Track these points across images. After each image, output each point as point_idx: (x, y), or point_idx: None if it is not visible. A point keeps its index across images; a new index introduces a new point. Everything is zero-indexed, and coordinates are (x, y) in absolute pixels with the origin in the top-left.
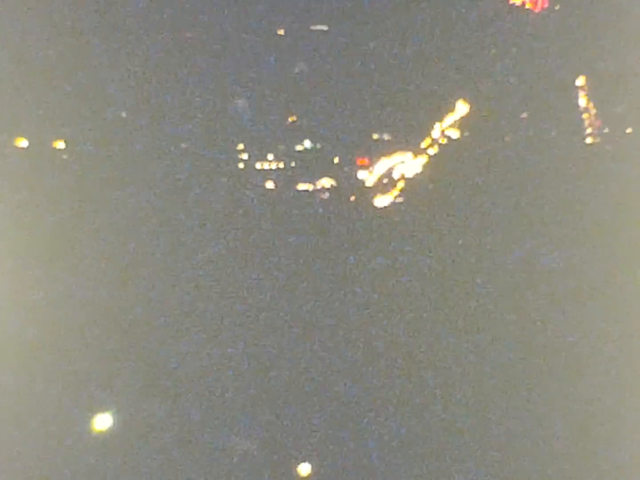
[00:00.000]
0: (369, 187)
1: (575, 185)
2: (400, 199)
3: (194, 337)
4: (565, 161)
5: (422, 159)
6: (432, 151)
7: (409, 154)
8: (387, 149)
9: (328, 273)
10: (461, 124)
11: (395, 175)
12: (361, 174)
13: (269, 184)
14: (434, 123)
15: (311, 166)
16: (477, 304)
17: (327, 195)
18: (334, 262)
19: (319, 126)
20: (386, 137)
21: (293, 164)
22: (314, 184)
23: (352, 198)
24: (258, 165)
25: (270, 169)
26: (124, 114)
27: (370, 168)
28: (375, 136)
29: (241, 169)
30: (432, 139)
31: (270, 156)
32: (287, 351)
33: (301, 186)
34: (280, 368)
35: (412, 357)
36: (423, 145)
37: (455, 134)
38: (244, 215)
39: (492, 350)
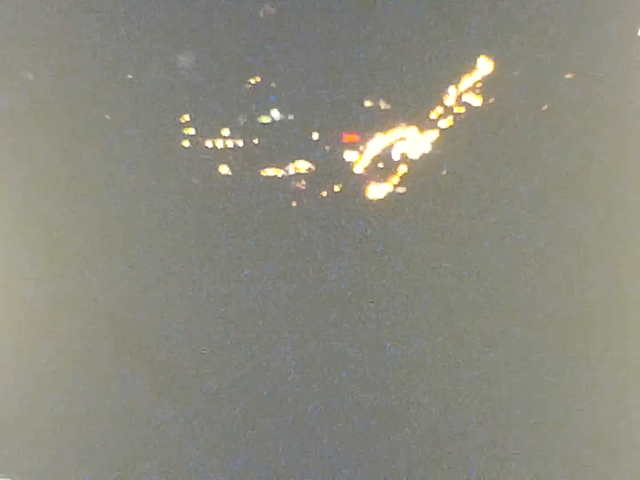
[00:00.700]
0: (359, 174)
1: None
2: (401, 189)
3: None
4: (627, 138)
5: (432, 135)
6: (445, 124)
7: (413, 128)
8: (383, 121)
9: (303, 288)
10: (484, 87)
11: (395, 156)
12: (349, 155)
13: (223, 169)
14: (448, 86)
15: (280, 145)
16: (498, 315)
17: (302, 184)
18: (311, 274)
19: (292, 90)
20: (382, 104)
21: (256, 141)
22: (285, 169)
23: (337, 188)
24: (208, 144)
25: (226, 149)
26: (30, 76)
27: (361, 147)
28: (367, 104)
29: (185, 148)
30: (445, 108)
31: (225, 131)
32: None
33: (267, 172)
34: (267, 368)
35: (416, 367)
36: (432, 115)
37: (476, 100)
38: (188, 211)
39: (502, 352)
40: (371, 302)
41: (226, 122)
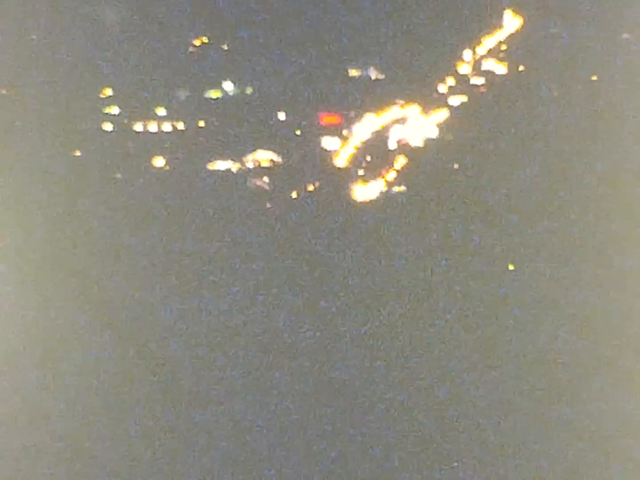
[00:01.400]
0: (341, 168)
1: None
2: (398, 189)
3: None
4: None
5: (440, 115)
6: (458, 100)
7: (415, 106)
8: (374, 97)
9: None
10: (511, 50)
11: (391, 144)
12: (327, 143)
13: (159, 161)
14: (462, 49)
15: (235, 129)
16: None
17: (264, 181)
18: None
19: (250, 54)
20: (374, 73)
21: (201, 124)
22: (241, 162)
23: (311, 187)
24: (139, 127)
25: (162, 133)
26: None
27: (344, 132)
28: (353, 72)
29: (107, 134)
30: (458, 78)
31: (160, 110)
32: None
33: (216, 165)
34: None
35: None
36: (441, 88)
37: (499, 67)
38: (110, 214)
39: (500, 350)
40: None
41: (161, 97)
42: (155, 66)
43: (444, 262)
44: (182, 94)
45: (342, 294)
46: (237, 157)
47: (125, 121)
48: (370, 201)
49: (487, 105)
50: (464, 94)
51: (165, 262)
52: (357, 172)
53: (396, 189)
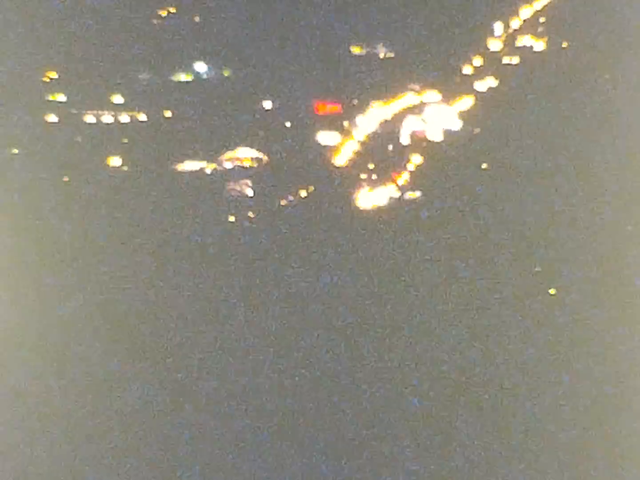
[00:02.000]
0: (341, 169)
1: None
2: (412, 194)
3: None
4: None
5: (464, 102)
6: (486, 84)
7: (433, 92)
8: (383, 80)
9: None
10: (552, 22)
11: (403, 139)
12: (325, 137)
13: (115, 160)
14: (491, 22)
15: (210, 119)
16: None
17: (245, 185)
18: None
19: (229, 28)
20: (382, 51)
21: (168, 114)
22: (217, 161)
23: (304, 192)
24: (90, 118)
25: (119, 126)
26: None
27: (345, 123)
28: (356, 49)
29: (52, 125)
30: (487, 57)
31: (116, 97)
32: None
33: (186, 166)
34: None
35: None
36: (466, 69)
37: (538, 44)
38: (62, 220)
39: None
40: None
41: (117, 81)
42: (110, 42)
43: (464, 287)
44: (144, 77)
45: (347, 332)
46: (212, 155)
47: (74, 111)
48: (378, 210)
49: (522, 91)
50: (494, 76)
51: (119, 287)
52: (361, 174)
53: (409, 195)
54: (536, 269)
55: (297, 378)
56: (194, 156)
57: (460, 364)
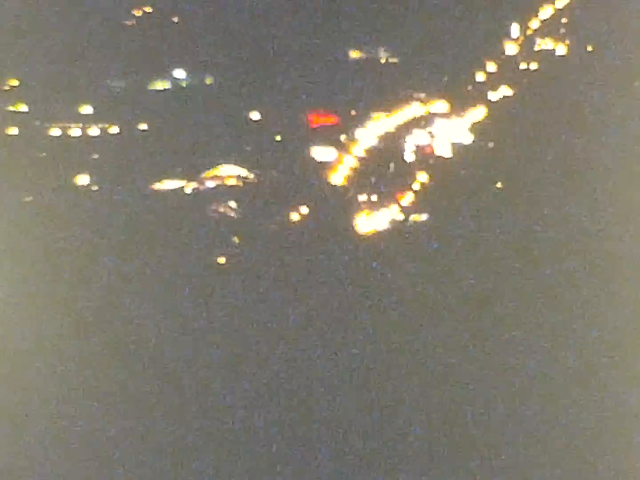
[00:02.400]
0: (339, 187)
1: None
2: (416, 217)
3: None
4: None
5: (476, 113)
6: (501, 92)
7: (441, 102)
8: (385, 88)
9: None
10: (575, 24)
11: (407, 154)
12: (320, 152)
13: (83, 178)
14: (507, 23)
15: (190, 132)
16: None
17: (228, 207)
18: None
19: (212, 29)
20: (384, 55)
21: (143, 127)
22: (198, 180)
23: (296, 215)
24: (55, 131)
25: (88, 140)
26: None
27: (343, 136)
28: (355, 53)
29: (14, 138)
30: (502, 62)
31: (85, 107)
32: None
33: (164, 183)
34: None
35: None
36: (479, 77)
37: (559, 48)
38: (26, 243)
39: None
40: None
41: (86, 90)
42: (78, 46)
43: (476, 324)
44: (116, 85)
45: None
46: (193, 173)
47: (37, 123)
48: (379, 235)
49: (542, 101)
50: (510, 84)
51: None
52: (360, 195)
53: (415, 218)
54: (557, 303)
55: (291, 413)
56: (172, 174)
57: (467, 392)
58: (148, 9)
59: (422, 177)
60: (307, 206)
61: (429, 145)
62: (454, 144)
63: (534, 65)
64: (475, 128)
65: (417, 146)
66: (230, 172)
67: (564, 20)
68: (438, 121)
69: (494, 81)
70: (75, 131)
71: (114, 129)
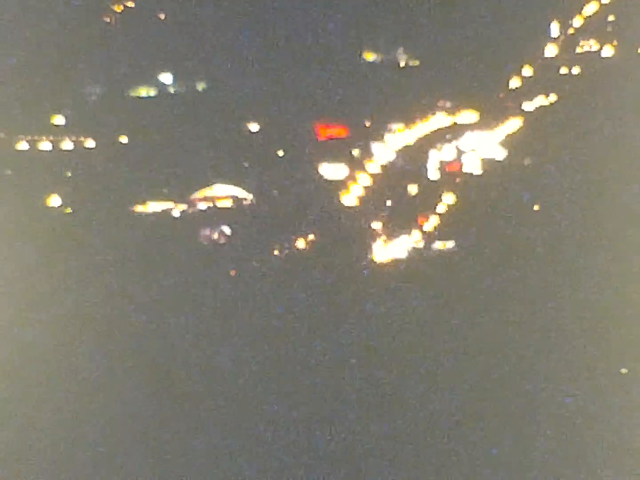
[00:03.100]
0: (351, 210)
1: None
2: (442, 244)
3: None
4: None
5: (510, 125)
6: (538, 101)
7: (470, 112)
8: (405, 96)
9: None
10: (622, 24)
11: (432, 172)
12: (329, 169)
13: (54, 199)
14: (546, 22)
15: (178, 146)
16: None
17: (222, 232)
18: None
19: (204, 27)
20: (403, 57)
21: (124, 140)
22: (187, 201)
23: (302, 242)
24: (22, 145)
25: (60, 154)
26: None
27: (356, 150)
28: (369, 55)
29: None
30: (540, 66)
31: (57, 118)
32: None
33: (148, 205)
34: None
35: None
36: (513, 83)
37: (605, 50)
38: None
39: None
40: None
41: (59, 97)
42: (49, 46)
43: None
44: (92, 92)
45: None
46: (181, 193)
47: (2, 135)
48: (397, 265)
49: (584, 110)
50: (548, 91)
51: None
52: (375, 219)
53: (439, 245)
54: (598, 335)
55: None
56: (157, 194)
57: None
58: (130, 4)
59: (447, 198)
60: (314, 233)
61: (456, 162)
62: (484, 160)
63: (575, 69)
64: (509, 141)
65: (442, 162)
66: (224, 193)
67: (610, 18)
68: (466, 134)
69: (530, 87)
70: (45, 145)
71: (90, 143)
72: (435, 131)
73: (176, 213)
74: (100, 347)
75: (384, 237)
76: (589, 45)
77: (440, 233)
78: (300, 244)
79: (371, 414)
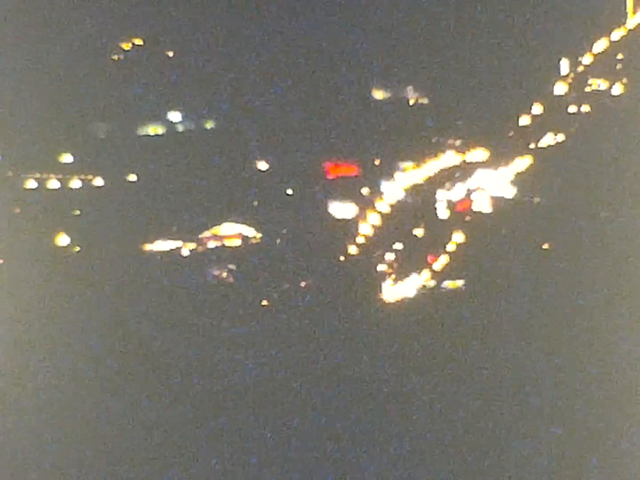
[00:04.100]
0: (361, 249)
1: None
2: (452, 284)
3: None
4: None
5: (520, 164)
6: (549, 138)
7: (479, 150)
8: (414, 134)
9: None
10: (630, 60)
11: (441, 211)
12: (339, 208)
13: (63, 238)
14: (555, 58)
15: (186, 185)
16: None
17: (229, 270)
18: None
19: (212, 65)
20: (412, 95)
21: (133, 178)
22: (196, 240)
23: (310, 282)
24: (31, 184)
25: (68, 193)
26: None
27: (366, 189)
28: (379, 93)
29: None
30: (550, 103)
31: (65, 156)
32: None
33: (157, 244)
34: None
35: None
36: (523, 120)
37: (614, 87)
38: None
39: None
40: None
41: (66, 135)
42: (57, 84)
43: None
44: (101, 129)
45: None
46: (190, 232)
47: (10, 174)
48: (407, 305)
49: (594, 148)
50: (558, 130)
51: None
52: (384, 258)
53: (449, 285)
54: (613, 382)
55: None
56: (166, 233)
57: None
58: (138, 41)
59: (457, 237)
60: (322, 271)
61: (465, 200)
62: (494, 199)
63: (585, 108)
64: (518, 180)
65: (452, 201)
66: (232, 232)
67: (619, 56)
68: (475, 172)
69: (539, 126)
70: (53, 183)
71: (98, 181)
72: (444, 170)
73: (185, 252)
74: (109, 386)
75: (393, 277)
76: (598, 83)
77: (450, 272)
78: (309, 283)
79: (381, 453)
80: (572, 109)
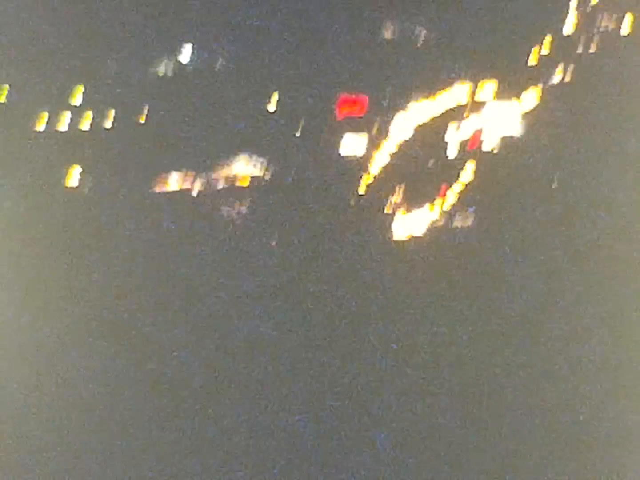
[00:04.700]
0: (370, 186)
1: None
2: (462, 222)
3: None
4: None
5: (528, 99)
6: (558, 76)
7: (489, 84)
8: (423, 71)
9: None
10: None
11: (450, 148)
12: (347, 146)
13: (72, 180)
14: None
15: (194, 123)
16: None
17: (238, 211)
18: None
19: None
20: (421, 33)
21: (142, 119)
22: (205, 178)
23: (321, 218)
24: (41, 127)
25: (74, 132)
26: None
27: (373, 127)
28: (387, 33)
29: None
30: (559, 41)
31: (70, 99)
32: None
33: (165, 184)
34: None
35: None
36: (532, 57)
37: (625, 25)
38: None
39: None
40: None
41: (76, 75)
42: (61, 22)
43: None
44: (109, 69)
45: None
46: (200, 172)
47: (21, 117)
48: (416, 241)
49: (606, 86)
50: (567, 65)
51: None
52: (393, 195)
53: (457, 222)
54: (616, 313)
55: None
56: (175, 174)
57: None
58: None
59: (466, 174)
60: (334, 209)
61: (474, 137)
62: (502, 137)
63: (593, 48)
64: (527, 119)
65: (461, 138)
66: (241, 171)
67: None
68: (485, 109)
69: (549, 63)
70: (63, 125)
71: (107, 123)
72: (453, 108)
73: (195, 192)
74: (115, 329)
75: (401, 212)
76: (607, 23)
77: (458, 209)
78: (319, 220)
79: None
80: (581, 48)
